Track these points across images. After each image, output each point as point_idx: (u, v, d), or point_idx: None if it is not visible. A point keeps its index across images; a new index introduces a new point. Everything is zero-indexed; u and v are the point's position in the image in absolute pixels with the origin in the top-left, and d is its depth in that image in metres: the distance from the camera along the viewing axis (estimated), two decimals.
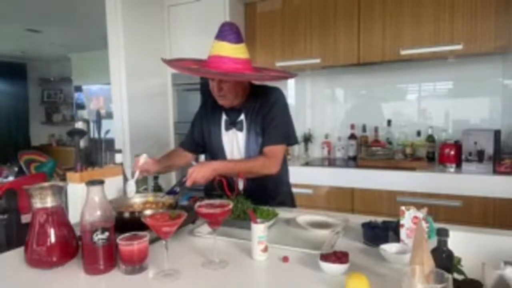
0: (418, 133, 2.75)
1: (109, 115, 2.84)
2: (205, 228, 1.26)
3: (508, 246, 1.05)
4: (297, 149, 3.20)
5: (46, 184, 1.05)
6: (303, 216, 1.37)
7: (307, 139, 3.16)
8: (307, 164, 2.82)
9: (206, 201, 1.10)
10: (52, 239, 1.01)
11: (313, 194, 2.60)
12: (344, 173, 2.58)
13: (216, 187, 1.50)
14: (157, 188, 1.82)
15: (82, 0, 3.47)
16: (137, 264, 0.97)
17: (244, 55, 1.44)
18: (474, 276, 0.84)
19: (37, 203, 1.01)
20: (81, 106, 6.44)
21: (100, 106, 6.09)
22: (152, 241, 1.09)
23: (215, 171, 1.40)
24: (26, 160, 1.87)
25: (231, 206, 1.06)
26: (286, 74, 1.72)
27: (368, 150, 2.74)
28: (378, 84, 2.97)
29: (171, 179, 2.87)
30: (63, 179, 1.61)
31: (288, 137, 1.60)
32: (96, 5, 2.90)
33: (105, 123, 1.63)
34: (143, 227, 0.99)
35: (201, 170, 1.36)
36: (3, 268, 1.06)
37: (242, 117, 1.59)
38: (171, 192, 1.40)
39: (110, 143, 2.08)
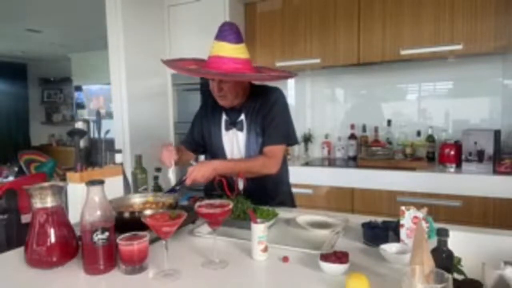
0: (418, 133, 2.75)
1: (109, 115, 2.85)
2: (205, 228, 1.26)
3: (508, 246, 1.05)
4: (297, 149, 3.20)
5: (46, 184, 1.05)
6: (303, 216, 1.37)
7: (307, 139, 3.16)
8: (307, 164, 2.82)
9: (206, 201, 1.10)
10: (52, 239, 1.01)
11: (313, 194, 2.60)
12: (344, 173, 2.58)
13: (216, 187, 1.50)
14: (157, 188, 1.82)
15: (82, 0, 3.47)
16: (137, 264, 0.97)
17: (244, 55, 1.44)
18: (474, 276, 0.84)
19: (37, 203, 1.01)
20: (81, 106, 6.44)
21: (100, 105, 6.09)
22: (152, 241, 1.09)
23: (215, 170, 1.40)
24: (26, 160, 1.87)
25: (231, 206, 1.06)
26: (286, 73, 1.72)
27: (368, 150, 2.74)
28: (378, 84, 2.97)
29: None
30: (63, 179, 1.61)
31: (288, 137, 1.60)
32: (96, 5, 2.90)
33: (105, 123, 1.63)
34: (143, 227, 0.99)
35: (201, 169, 1.37)
36: (3, 268, 1.06)
37: (242, 117, 1.59)
38: (171, 190, 1.40)
39: (110, 143, 2.08)
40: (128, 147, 2.61)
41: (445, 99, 2.76)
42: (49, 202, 1.02)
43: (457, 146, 2.41)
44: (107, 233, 0.98)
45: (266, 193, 1.61)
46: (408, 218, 1.05)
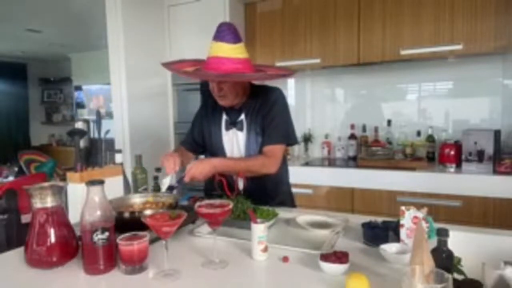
0: (418, 133, 2.75)
1: (109, 115, 2.85)
2: (205, 228, 1.26)
3: (508, 246, 1.05)
4: (297, 149, 3.20)
5: (46, 184, 1.05)
6: (303, 216, 1.37)
7: (307, 139, 3.16)
8: (307, 164, 2.82)
9: (206, 201, 1.10)
10: (52, 239, 1.01)
11: (313, 194, 2.60)
12: (344, 173, 2.58)
13: (216, 187, 1.50)
14: (157, 188, 1.82)
15: (82, 0, 3.47)
16: (137, 264, 0.97)
17: (243, 55, 1.43)
18: (474, 276, 0.84)
19: (37, 203, 1.01)
20: (81, 105, 6.44)
21: (100, 105, 6.09)
22: (152, 241, 1.09)
23: (213, 167, 1.40)
24: (26, 160, 1.87)
25: (231, 206, 1.06)
26: (285, 71, 1.72)
27: (368, 150, 2.74)
28: (378, 84, 2.97)
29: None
30: (63, 179, 1.61)
31: (287, 137, 1.60)
32: (96, 5, 2.90)
33: (105, 123, 1.63)
34: (143, 227, 0.99)
35: (200, 166, 1.37)
36: (3, 268, 1.06)
37: (242, 117, 1.59)
38: (169, 187, 1.40)
39: (110, 143, 2.08)
40: (128, 147, 2.61)
41: (445, 99, 2.76)
42: (49, 202, 1.02)
43: (457, 146, 2.41)
44: (107, 233, 0.98)
45: (266, 193, 1.61)
46: (408, 218, 1.05)
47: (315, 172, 2.67)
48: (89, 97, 6.30)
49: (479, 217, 2.16)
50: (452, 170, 2.34)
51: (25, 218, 1.33)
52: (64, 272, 1.00)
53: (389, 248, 1.02)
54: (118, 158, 1.55)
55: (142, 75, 2.78)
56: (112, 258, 1.00)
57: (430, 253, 0.80)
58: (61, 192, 1.05)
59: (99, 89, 6.11)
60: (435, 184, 2.27)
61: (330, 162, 2.90)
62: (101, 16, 2.66)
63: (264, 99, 1.57)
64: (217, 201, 1.10)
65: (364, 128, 2.93)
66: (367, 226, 1.16)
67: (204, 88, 2.83)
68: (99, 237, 0.97)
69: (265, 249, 1.04)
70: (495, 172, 2.20)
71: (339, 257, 0.94)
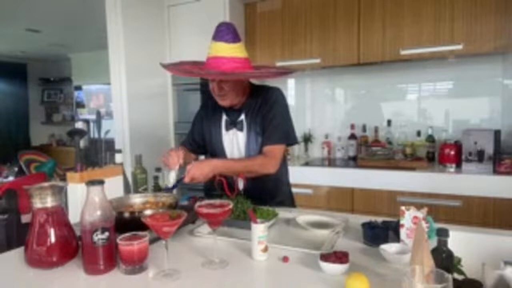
0: (418, 133, 2.75)
1: (110, 114, 2.85)
2: (205, 228, 1.26)
3: (508, 246, 1.05)
4: (297, 149, 3.20)
5: (46, 184, 1.05)
6: (303, 216, 1.37)
7: (307, 139, 3.16)
8: (307, 164, 2.82)
9: (206, 201, 1.10)
10: (52, 239, 1.01)
11: (313, 194, 2.60)
12: (344, 173, 2.58)
13: (216, 187, 1.50)
14: (157, 188, 1.82)
15: (82, 0, 3.47)
16: (137, 264, 0.97)
17: (242, 54, 1.44)
18: (474, 276, 0.84)
19: (37, 203, 1.01)
20: (81, 105, 6.45)
21: (100, 104, 6.09)
22: (152, 241, 1.09)
23: (213, 168, 1.40)
24: (26, 160, 1.87)
25: (231, 206, 1.06)
26: (285, 70, 1.72)
27: (368, 150, 2.74)
28: (378, 84, 2.97)
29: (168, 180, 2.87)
30: (63, 179, 1.61)
31: (287, 137, 1.60)
32: (96, 5, 2.90)
33: (105, 123, 1.63)
34: (143, 227, 0.99)
35: (199, 167, 1.37)
36: (3, 268, 1.06)
37: (242, 117, 1.59)
38: (168, 189, 1.40)
39: (110, 143, 2.08)
40: (128, 147, 2.61)
41: (445, 99, 2.76)
42: (49, 202, 1.02)
43: (457, 146, 2.41)
44: (107, 233, 0.98)
45: (266, 193, 1.61)
46: (408, 218, 1.05)
47: (315, 172, 2.67)
48: (89, 97, 6.30)
49: (479, 217, 2.16)
50: (452, 170, 2.35)
51: (25, 218, 1.34)
52: (64, 272, 1.00)
53: (389, 248, 1.02)
54: (118, 158, 1.55)
55: (142, 75, 2.78)
56: (112, 258, 1.00)
57: (430, 253, 0.80)
58: (61, 192, 1.06)
59: (99, 89, 6.11)
60: (435, 184, 2.27)
61: (330, 162, 2.90)
62: (101, 16, 2.66)
63: (264, 99, 1.57)
64: (217, 201, 1.10)
65: (364, 128, 2.93)
66: (367, 226, 1.16)
67: (204, 88, 2.84)
68: (99, 237, 0.97)
69: (265, 249, 1.04)
70: (495, 172, 2.20)
71: (339, 257, 0.94)
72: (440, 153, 2.50)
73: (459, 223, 1.67)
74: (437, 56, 2.50)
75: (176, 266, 0.99)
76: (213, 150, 1.67)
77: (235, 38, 1.42)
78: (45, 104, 7.24)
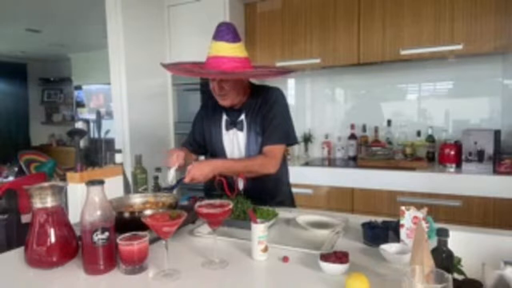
0: (418, 133, 2.75)
1: (110, 114, 2.85)
2: (205, 228, 1.26)
3: (508, 246, 1.05)
4: (297, 149, 3.20)
5: (46, 184, 1.05)
6: (303, 216, 1.37)
7: (307, 139, 3.16)
8: (307, 164, 2.82)
9: (206, 201, 1.10)
10: (52, 239, 1.01)
11: (313, 194, 2.60)
12: (344, 173, 2.58)
13: (216, 187, 1.50)
14: (157, 188, 1.82)
15: (82, 0, 3.47)
16: (137, 264, 0.97)
17: (242, 54, 1.44)
18: (474, 276, 0.84)
19: (37, 203, 1.01)
20: (81, 105, 6.45)
21: (100, 104, 6.10)
22: (152, 241, 1.09)
23: (213, 169, 1.40)
24: (26, 160, 1.87)
25: (231, 206, 1.06)
26: (285, 70, 1.72)
27: (368, 150, 2.74)
28: (378, 84, 2.97)
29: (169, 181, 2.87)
30: (63, 179, 1.61)
31: (287, 137, 1.60)
32: (96, 5, 2.90)
33: (105, 123, 1.63)
34: (143, 227, 0.99)
35: (199, 167, 1.37)
36: (3, 268, 1.06)
37: (243, 117, 1.59)
38: (168, 188, 1.40)
39: (110, 143, 2.08)
40: (128, 147, 2.61)
41: (445, 99, 2.76)
42: (49, 202, 1.02)
43: (457, 146, 2.41)
44: (107, 233, 0.98)
45: (266, 193, 1.61)
46: (408, 218, 1.05)
47: (315, 172, 2.67)
48: (89, 97, 6.30)
49: (479, 217, 2.16)
50: (452, 170, 2.34)
51: (25, 218, 1.34)
52: (64, 272, 1.00)
53: (389, 248, 1.02)
54: (118, 158, 1.55)
55: (142, 75, 2.78)
56: (112, 258, 1.00)
57: (430, 253, 0.80)
58: (61, 192, 1.06)
59: (99, 89, 6.11)
60: (435, 184, 2.27)
61: (330, 162, 2.90)
62: (101, 16, 2.66)
63: (264, 99, 1.57)
64: (217, 201, 1.10)
65: (364, 128, 2.93)
66: (367, 226, 1.16)
67: (205, 88, 2.83)
68: (99, 237, 0.97)
69: (265, 249, 1.04)
70: (495, 172, 2.20)
71: (339, 257, 0.94)
72: (440, 153, 2.50)
73: (459, 223, 1.67)
74: (437, 56, 2.49)
75: (176, 266, 0.99)
76: (213, 150, 1.67)
77: (235, 38, 1.42)
78: (45, 104, 7.24)
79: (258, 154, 1.55)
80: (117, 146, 2.54)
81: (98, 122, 1.55)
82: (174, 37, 3.01)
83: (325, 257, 0.95)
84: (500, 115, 2.59)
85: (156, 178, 1.85)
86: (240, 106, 1.59)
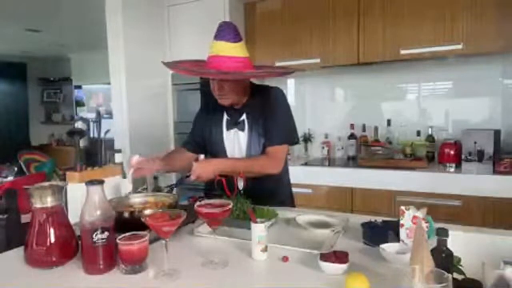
0: (418, 133, 2.75)
1: (110, 113, 2.85)
2: (205, 228, 1.26)
3: (508, 246, 1.05)
4: (297, 149, 3.20)
5: (46, 184, 1.06)
6: (303, 216, 1.37)
7: (307, 139, 3.16)
8: (306, 164, 2.82)
9: (206, 201, 1.10)
10: (52, 239, 1.01)
11: (313, 194, 2.60)
12: (344, 173, 2.58)
13: (216, 187, 1.50)
14: (157, 188, 1.82)
15: (82, 0, 3.47)
16: (137, 264, 0.97)
17: (243, 54, 1.44)
18: (474, 276, 0.84)
19: (37, 203, 1.01)
20: (80, 103, 6.45)
21: (99, 103, 6.10)
22: (152, 241, 1.09)
23: (218, 168, 1.41)
24: (26, 160, 1.86)
25: (231, 206, 1.06)
26: (285, 70, 1.73)
27: (368, 150, 2.73)
28: (378, 84, 2.97)
29: (171, 180, 2.87)
30: (63, 179, 1.61)
31: (290, 137, 1.60)
32: (96, 5, 2.90)
33: (105, 123, 1.63)
34: (143, 227, 0.99)
35: (205, 166, 1.38)
36: (3, 268, 1.06)
37: (244, 117, 1.59)
38: (175, 184, 1.42)
39: (110, 143, 2.07)
40: (128, 147, 2.61)
41: (445, 99, 2.76)
42: (49, 202, 1.02)
43: (457, 146, 2.41)
44: (107, 233, 0.98)
45: (266, 193, 1.60)
46: (408, 218, 1.05)
47: (315, 172, 2.67)
48: (89, 95, 6.31)
49: (479, 217, 2.16)
50: (452, 169, 2.34)
51: (25, 218, 1.33)
52: (64, 272, 1.00)
53: (389, 248, 1.02)
54: (118, 158, 1.55)
55: (142, 75, 2.78)
56: (112, 258, 1.00)
57: (430, 253, 0.80)
58: (60, 192, 1.06)
59: (99, 88, 6.12)
60: (435, 183, 2.27)
61: (330, 162, 2.89)
62: (101, 16, 2.66)
63: (265, 100, 1.57)
64: (217, 201, 1.10)
65: (364, 128, 2.93)
66: (367, 226, 1.16)
67: (205, 88, 2.83)
68: (99, 237, 0.97)
69: (265, 249, 1.04)
70: (495, 172, 2.20)
71: (339, 257, 0.94)
72: (440, 153, 2.50)
73: (459, 222, 1.65)
74: (437, 56, 2.49)
75: (176, 266, 0.99)
76: (214, 149, 1.67)
77: (236, 38, 1.42)
78: (45, 104, 7.24)
79: (261, 154, 1.55)
80: (117, 146, 2.54)
81: (98, 122, 1.54)
82: (174, 37, 3.01)
83: (325, 257, 0.95)
84: (500, 115, 2.59)
85: (156, 178, 1.85)
86: (241, 106, 1.59)
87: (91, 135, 1.56)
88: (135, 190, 1.66)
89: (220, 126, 1.64)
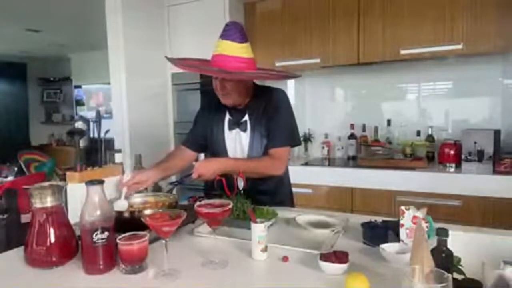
0: (418, 133, 2.75)
1: (109, 113, 2.85)
2: (205, 228, 1.26)
3: (508, 246, 1.05)
4: (297, 149, 3.19)
5: (46, 183, 1.06)
6: (303, 216, 1.37)
7: (307, 139, 3.16)
8: (306, 164, 2.82)
9: (206, 201, 1.10)
10: (52, 239, 1.01)
11: (313, 194, 2.60)
12: (344, 173, 2.58)
13: (216, 187, 1.50)
14: (157, 188, 1.82)
15: (82, 0, 3.47)
16: (137, 264, 0.97)
17: (248, 55, 1.44)
18: (474, 276, 0.84)
19: (37, 203, 1.01)
20: (80, 103, 6.46)
21: (99, 103, 6.10)
22: (152, 241, 1.09)
23: (221, 167, 1.41)
24: (26, 160, 1.86)
25: (231, 206, 1.06)
26: (290, 74, 1.72)
27: (368, 150, 2.73)
28: (378, 84, 2.97)
29: (171, 179, 2.87)
30: (63, 179, 1.61)
31: (293, 139, 1.60)
32: (96, 5, 2.90)
33: (105, 123, 1.63)
34: (143, 227, 0.99)
35: (207, 165, 1.38)
36: (3, 268, 1.06)
37: (246, 117, 1.59)
38: (177, 182, 1.41)
39: (110, 143, 2.07)
40: (128, 147, 2.61)
41: (445, 99, 2.76)
42: (49, 202, 1.02)
43: (457, 145, 2.41)
44: (106, 233, 0.98)
45: (266, 193, 1.60)
46: (408, 218, 1.05)
47: (315, 172, 2.67)
48: (89, 95, 6.31)
49: (479, 217, 2.16)
50: (451, 169, 2.34)
51: (25, 218, 1.33)
52: (64, 271, 1.00)
53: (389, 248, 1.02)
54: (118, 158, 1.55)
55: (142, 75, 2.78)
56: (112, 258, 1.00)
57: (429, 253, 0.80)
58: (60, 192, 1.05)
59: (99, 87, 6.12)
60: (435, 183, 2.27)
61: (330, 162, 2.89)
62: (101, 16, 2.66)
63: (268, 101, 1.57)
64: (217, 201, 1.10)
65: (364, 128, 2.93)
66: (366, 226, 1.16)
67: (207, 88, 2.83)
68: (99, 237, 0.97)
69: (265, 249, 1.04)
70: (495, 171, 2.20)
71: (339, 257, 0.94)
72: (439, 153, 2.50)
73: (459, 222, 1.65)
74: (437, 56, 2.49)
75: (176, 266, 0.99)
76: (215, 149, 1.66)
77: (242, 38, 1.42)
78: (45, 104, 7.24)
79: (263, 156, 1.55)
80: (117, 146, 2.54)
81: (98, 122, 1.54)
82: (174, 37, 3.01)
83: (325, 257, 0.95)
84: (500, 115, 2.59)
85: None
86: (244, 106, 1.59)
87: (91, 135, 1.55)
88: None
89: (221, 126, 1.64)
